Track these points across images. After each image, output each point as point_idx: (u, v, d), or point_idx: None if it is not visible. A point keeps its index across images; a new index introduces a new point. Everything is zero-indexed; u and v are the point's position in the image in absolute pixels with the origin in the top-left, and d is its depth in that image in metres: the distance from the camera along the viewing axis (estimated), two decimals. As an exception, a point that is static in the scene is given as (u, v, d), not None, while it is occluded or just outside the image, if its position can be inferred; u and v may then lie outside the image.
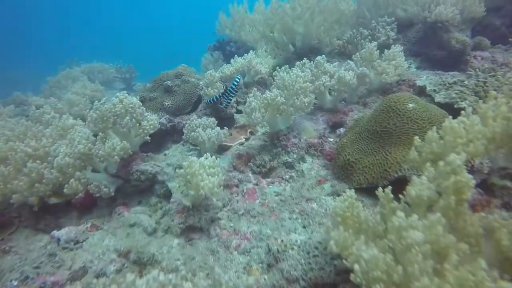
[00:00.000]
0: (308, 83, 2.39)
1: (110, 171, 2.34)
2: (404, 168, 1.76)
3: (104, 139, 2.28)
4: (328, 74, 2.70)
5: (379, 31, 4.04)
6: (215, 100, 2.90)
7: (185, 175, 1.85)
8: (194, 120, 2.67)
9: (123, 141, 2.23)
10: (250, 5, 5.71)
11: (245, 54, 3.39)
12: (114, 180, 2.36)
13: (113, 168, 2.32)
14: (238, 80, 2.62)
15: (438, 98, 2.27)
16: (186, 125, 2.72)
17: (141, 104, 2.50)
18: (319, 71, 2.72)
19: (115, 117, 2.27)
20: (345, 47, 4.27)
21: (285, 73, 2.43)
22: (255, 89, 2.49)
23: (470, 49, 3.41)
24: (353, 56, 2.93)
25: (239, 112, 3.23)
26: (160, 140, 3.30)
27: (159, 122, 3.18)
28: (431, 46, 3.47)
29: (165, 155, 3.03)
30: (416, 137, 1.59)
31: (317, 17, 4.23)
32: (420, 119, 1.92)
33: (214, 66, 5.90)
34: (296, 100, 2.36)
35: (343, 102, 2.93)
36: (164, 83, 3.42)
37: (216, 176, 1.90)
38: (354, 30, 4.28)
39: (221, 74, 3.17)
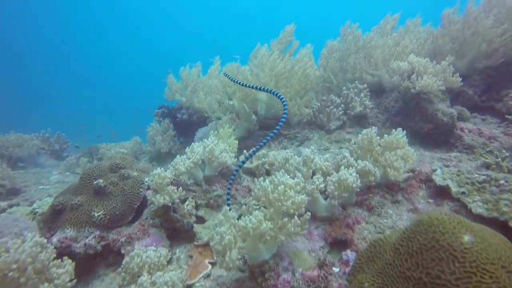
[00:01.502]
0: (303, 196, 1.67)
1: None
2: None
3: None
4: (321, 171, 2.03)
5: (353, 99, 3.63)
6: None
7: None
8: (136, 257, 1.75)
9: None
10: (203, 67, 5.15)
11: (204, 140, 2.61)
12: None
13: None
14: None
15: (477, 208, 1.69)
16: (124, 262, 1.79)
17: (45, 242, 1.54)
18: (309, 170, 2.04)
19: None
20: (316, 116, 3.78)
21: (267, 182, 1.69)
22: (227, 207, 1.70)
23: (455, 121, 3.08)
24: (348, 144, 2.35)
25: (200, 220, 2.37)
26: (87, 265, 2.28)
27: (85, 243, 2.21)
28: (415, 118, 3.08)
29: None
30: None
31: (283, 84, 3.74)
32: (489, 263, 1.26)
33: (163, 138, 5.05)
34: (289, 224, 1.60)
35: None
36: (94, 182, 2.47)
37: None
38: (324, 98, 3.85)
39: (174, 172, 2.34)
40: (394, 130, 2.12)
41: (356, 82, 3.78)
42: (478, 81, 3.47)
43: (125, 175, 2.58)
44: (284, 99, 2.34)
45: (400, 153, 2.02)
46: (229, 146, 2.86)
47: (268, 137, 2.11)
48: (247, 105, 3.92)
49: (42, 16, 33.71)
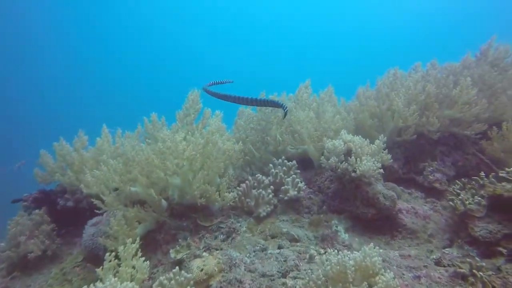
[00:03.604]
0: None
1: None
2: None
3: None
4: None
5: (283, 179, 3.17)
6: None
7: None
8: None
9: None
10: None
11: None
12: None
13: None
14: None
15: None
16: None
17: None
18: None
19: None
20: (242, 201, 3.16)
21: None
22: None
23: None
24: (306, 272, 1.73)
25: None
26: None
27: None
28: (356, 202, 2.76)
29: None
30: None
31: (198, 167, 3.05)
32: None
33: (32, 236, 3.61)
34: None
35: None
36: None
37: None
38: (250, 178, 3.29)
39: None
40: (364, 247, 1.61)
41: (283, 157, 3.39)
42: (399, 154, 3.48)
43: None
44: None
45: (382, 285, 1.50)
46: (137, 272, 1.94)
47: None
48: (155, 191, 3.06)
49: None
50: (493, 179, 2.41)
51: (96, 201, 2.98)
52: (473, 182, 2.62)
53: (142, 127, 3.83)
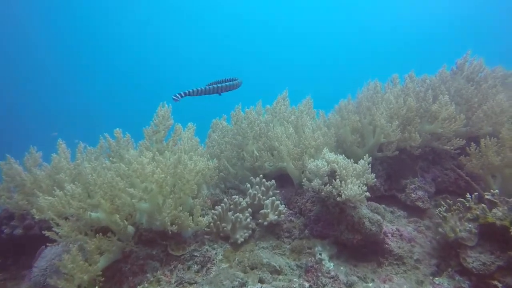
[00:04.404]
0: None
1: None
2: None
3: None
4: None
5: (261, 200, 2.93)
6: None
7: None
8: None
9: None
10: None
11: None
12: None
13: None
14: None
15: None
16: None
17: None
18: None
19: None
20: (217, 226, 2.88)
21: None
22: None
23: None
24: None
25: None
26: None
27: None
28: (340, 227, 2.57)
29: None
30: None
31: (167, 191, 2.74)
32: None
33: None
34: None
35: None
36: None
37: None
38: (226, 200, 3.02)
39: None
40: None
41: (261, 176, 3.16)
42: (381, 171, 3.36)
43: None
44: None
45: None
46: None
47: None
48: (120, 217, 2.71)
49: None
50: (482, 205, 2.31)
51: (48, 233, 2.58)
52: (458, 203, 2.53)
53: (106, 141, 3.43)
